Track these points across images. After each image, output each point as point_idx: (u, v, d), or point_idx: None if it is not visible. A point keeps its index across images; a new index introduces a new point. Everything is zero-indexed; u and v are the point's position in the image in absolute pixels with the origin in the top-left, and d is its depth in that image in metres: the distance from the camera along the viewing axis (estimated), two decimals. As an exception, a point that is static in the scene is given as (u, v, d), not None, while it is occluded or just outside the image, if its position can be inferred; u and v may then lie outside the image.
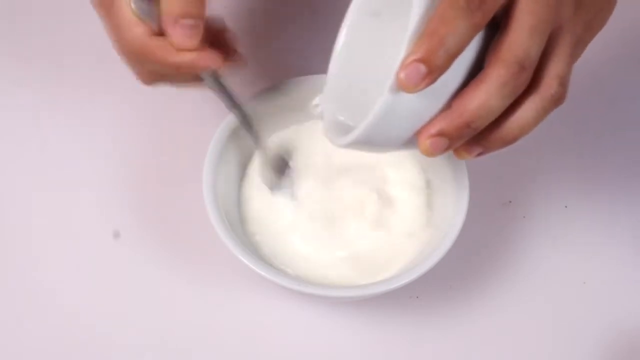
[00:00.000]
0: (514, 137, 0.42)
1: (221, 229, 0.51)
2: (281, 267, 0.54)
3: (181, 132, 0.63)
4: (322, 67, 0.49)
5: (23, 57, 0.66)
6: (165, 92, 0.54)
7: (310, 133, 0.57)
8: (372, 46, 0.49)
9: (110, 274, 0.58)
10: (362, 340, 0.56)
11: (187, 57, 0.45)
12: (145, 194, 0.60)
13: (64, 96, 0.64)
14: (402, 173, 0.56)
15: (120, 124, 0.63)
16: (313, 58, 0.53)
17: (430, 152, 0.41)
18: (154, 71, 0.48)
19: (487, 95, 0.39)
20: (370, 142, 0.43)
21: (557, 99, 0.41)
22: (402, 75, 0.38)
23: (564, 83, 0.41)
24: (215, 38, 0.48)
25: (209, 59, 0.46)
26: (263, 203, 0.56)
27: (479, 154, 0.44)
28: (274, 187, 0.55)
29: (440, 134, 0.41)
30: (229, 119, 0.54)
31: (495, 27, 0.41)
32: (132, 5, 0.45)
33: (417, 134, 0.41)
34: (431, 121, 0.41)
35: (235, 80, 0.51)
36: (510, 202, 0.61)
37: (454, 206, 0.53)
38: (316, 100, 0.50)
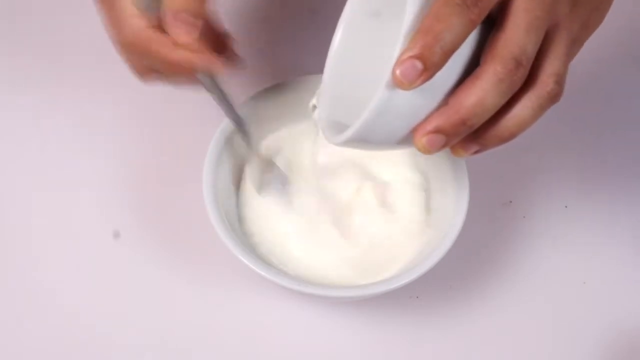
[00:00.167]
0: (511, 134, 0.42)
1: (221, 229, 0.51)
2: (281, 267, 0.54)
3: (181, 132, 0.63)
4: (321, 67, 0.49)
5: (23, 57, 0.66)
6: (166, 93, 0.54)
7: (307, 133, 0.57)
8: (372, 46, 0.49)
9: (110, 274, 0.58)
10: (362, 340, 0.56)
11: (184, 55, 0.45)
12: (145, 194, 0.60)
13: (64, 96, 0.64)
14: (401, 173, 0.56)
15: (120, 124, 0.63)
16: (312, 58, 0.52)
17: (427, 150, 0.41)
18: (150, 66, 0.48)
19: (483, 92, 0.39)
20: (366, 139, 0.43)
21: (554, 97, 0.41)
22: (398, 71, 0.38)
23: (560, 81, 0.41)
24: (215, 42, 0.48)
25: (207, 61, 0.46)
26: (263, 203, 0.56)
27: (476, 152, 0.43)
28: (262, 189, 0.55)
29: (437, 131, 0.40)
30: (229, 120, 0.55)
31: (491, 24, 0.40)
32: None
33: (414, 131, 0.41)
34: (427, 118, 0.41)
35: (233, 81, 0.51)
36: (511, 202, 0.61)
37: (454, 206, 0.53)
38: (313, 101, 0.50)
